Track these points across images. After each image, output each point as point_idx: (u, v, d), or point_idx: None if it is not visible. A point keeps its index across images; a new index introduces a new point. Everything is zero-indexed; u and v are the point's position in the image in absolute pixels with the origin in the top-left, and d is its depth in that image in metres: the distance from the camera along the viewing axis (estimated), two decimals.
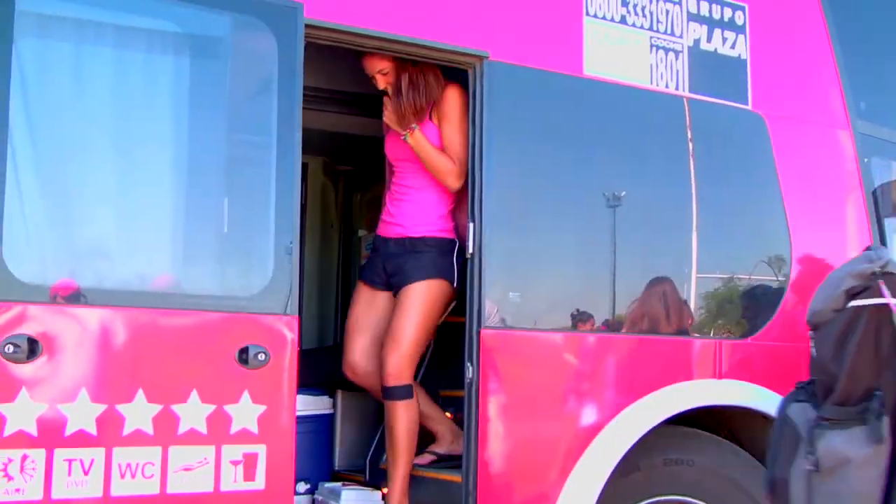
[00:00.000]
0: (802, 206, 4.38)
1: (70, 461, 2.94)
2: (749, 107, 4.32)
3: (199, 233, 3.41)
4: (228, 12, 3.39)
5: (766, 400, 4.11)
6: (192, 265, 3.38)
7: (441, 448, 4.30)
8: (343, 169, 5.99)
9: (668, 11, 4.17)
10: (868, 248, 3.80)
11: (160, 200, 3.34)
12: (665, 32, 4.16)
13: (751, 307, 4.27)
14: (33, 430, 2.91)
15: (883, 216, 4.66)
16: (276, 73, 3.40)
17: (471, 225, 3.70)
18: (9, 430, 2.88)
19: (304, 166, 5.44)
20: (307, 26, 3.43)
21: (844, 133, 4.58)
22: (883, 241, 4.59)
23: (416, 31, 3.67)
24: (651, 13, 4.13)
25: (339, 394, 4.90)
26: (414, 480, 4.12)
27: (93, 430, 2.98)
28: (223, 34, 3.48)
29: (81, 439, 2.96)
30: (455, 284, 4.04)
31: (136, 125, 3.32)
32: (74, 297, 3.06)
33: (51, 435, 2.93)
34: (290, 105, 3.39)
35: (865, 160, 4.61)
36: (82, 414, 2.97)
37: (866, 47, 4.89)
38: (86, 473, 2.96)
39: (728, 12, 4.34)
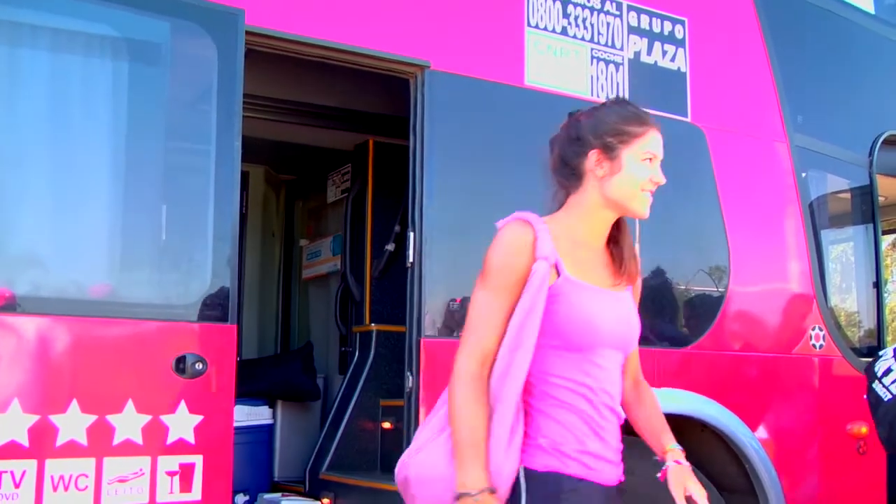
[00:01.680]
0: (741, 217, 4.44)
1: (0, 473, 2.88)
2: (689, 119, 4.37)
3: (136, 241, 3.35)
4: (167, 17, 3.36)
5: (703, 408, 4.15)
6: (129, 273, 3.34)
7: None
8: (285, 178, 5.96)
9: (608, 24, 4.21)
10: None
11: (97, 208, 3.29)
12: (606, 45, 4.19)
13: (690, 316, 4.31)
14: None
15: (819, 228, 4.74)
16: (215, 79, 3.37)
17: (411, 234, 3.70)
18: None
19: (245, 175, 5.41)
20: (248, 33, 3.41)
21: (782, 146, 4.65)
22: (819, 252, 4.66)
23: (357, 39, 3.66)
24: (592, 25, 4.17)
25: (279, 404, 4.87)
26: (352, 489, 4.11)
27: (25, 442, 2.92)
28: (162, 40, 3.43)
29: (13, 451, 2.90)
30: None
31: (73, 131, 3.27)
32: (8, 305, 2.99)
33: None
34: (229, 112, 3.36)
35: (803, 173, 4.68)
36: (14, 425, 2.91)
37: (803, 61, 4.97)
38: (17, 486, 2.89)
39: (668, 26, 4.39)
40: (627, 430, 4.04)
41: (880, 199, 5.06)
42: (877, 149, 4.97)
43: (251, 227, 5.70)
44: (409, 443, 3.57)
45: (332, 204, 5.40)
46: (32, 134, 3.21)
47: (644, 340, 4.08)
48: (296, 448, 4.87)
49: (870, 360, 4.75)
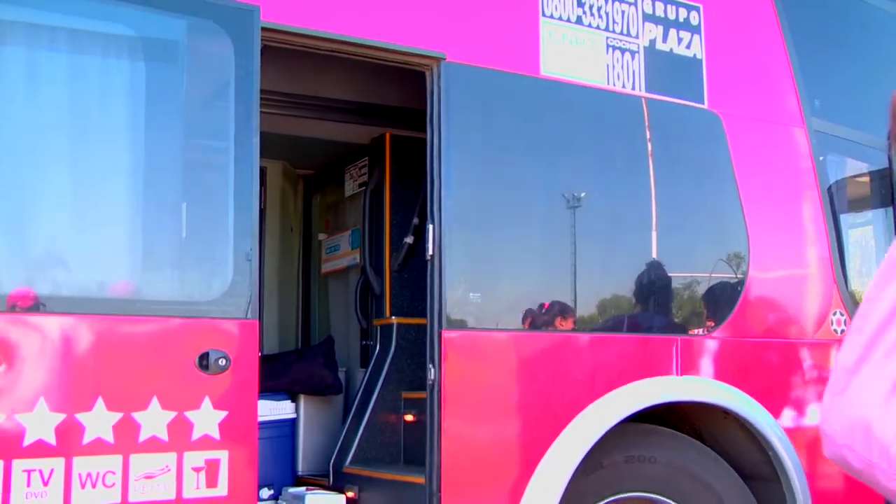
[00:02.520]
0: (759, 203, 4.42)
1: (29, 472, 2.91)
2: (705, 106, 4.36)
3: (157, 238, 3.38)
4: (184, 16, 3.37)
5: (725, 395, 4.15)
6: (150, 271, 3.36)
7: None
8: (303, 173, 5.97)
9: (623, 12, 4.20)
10: None
11: (118, 206, 3.32)
12: (621, 33, 4.18)
13: (710, 304, 4.30)
14: None
15: (838, 212, 4.72)
16: (232, 76, 3.39)
17: (430, 227, 3.70)
18: None
19: (263, 170, 5.42)
20: (264, 29, 3.42)
21: (799, 131, 4.63)
22: (838, 237, 4.65)
23: (373, 33, 3.67)
24: (607, 14, 4.16)
25: (302, 398, 4.89)
26: (376, 482, 4.13)
27: (52, 440, 2.95)
28: (179, 38, 3.45)
29: (40, 449, 2.93)
30: None
31: (93, 131, 3.29)
32: (32, 305, 3.02)
33: (9, 445, 2.90)
34: (247, 109, 3.38)
35: (820, 157, 4.66)
36: (41, 424, 2.94)
37: (820, 45, 4.95)
38: (45, 484, 2.92)
39: (683, 13, 4.37)
40: (646, 418, 4.06)
41: None
42: None
43: (270, 223, 5.72)
44: (432, 434, 3.61)
45: (350, 198, 5.41)
46: (52, 134, 3.24)
47: (664, 328, 4.12)
48: (319, 442, 4.89)
49: None
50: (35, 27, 3.24)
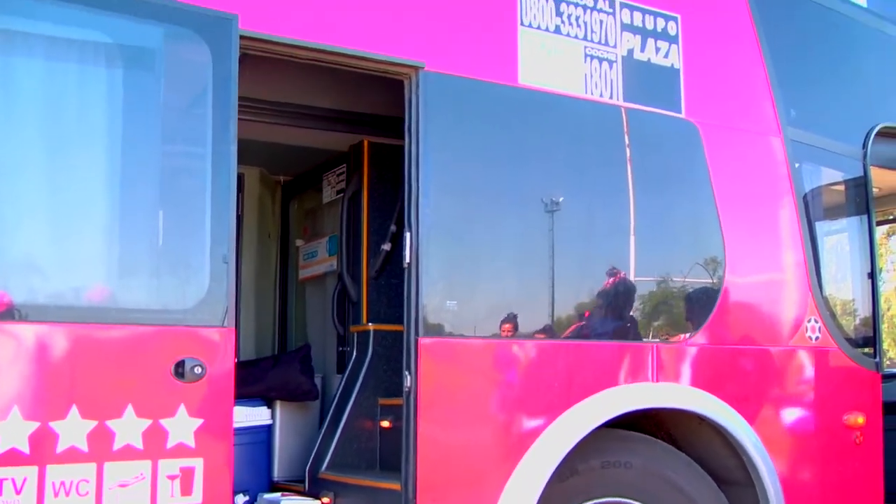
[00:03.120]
0: (736, 211, 4.45)
1: (2, 481, 2.89)
2: (682, 115, 4.39)
3: (133, 245, 3.37)
4: (162, 23, 3.36)
5: (700, 401, 4.18)
6: (126, 278, 3.35)
7: None
8: (280, 179, 5.97)
9: (601, 21, 4.22)
10: None
11: (94, 213, 3.31)
12: (599, 42, 4.21)
13: (686, 311, 4.33)
14: None
15: (813, 220, 4.76)
16: (210, 84, 3.39)
17: (407, 234, 3.71)
18: None
19: (241, 177, 5.42)
20: (242, 37, 3.42)
21: (776, 139, 4.67)
22: (813, 245, 4.68)
23: (352, 42, 3.67)
24: (585, 23, 4.18)
25: (278, 404, 4.88)
26: (352, 488, 4.13)
27: (25, 449, 2.94)
28: (157, 45, 3.44)
29: (13, 458, 2.92)
30: None
31: (70, 138, 3.28)
32: (6, 312, 3.01)
33: None
34: (225, 116, 3.38)
35: (796, 165, 4.70)
36: (14, 432, 2.93)
37: (796, 56, 4.99)
38: (18, 493, 2.91)
39: (661, 22, 4.40)
40: (622, 424, 4.08)
41: (874, 190, 5.08)
42: (870, 141, 4.99)
43: (247, 229, 5.71)
44: (408, 441, 3.62)
45: (327, 204, 5.41)
46: (29, 140, 3.22)
47: (640, 335, 4.14)
48: (295, 448, 4.89)
49: (865, 350, 4.81)
50: (12, 34, 3.23)
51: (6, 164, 3.17)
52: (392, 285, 4.75)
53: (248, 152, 3.95)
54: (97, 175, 3.32)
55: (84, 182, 3.30)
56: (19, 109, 3.24)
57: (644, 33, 4.33)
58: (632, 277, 4.16)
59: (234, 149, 3.37)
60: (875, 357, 4.83)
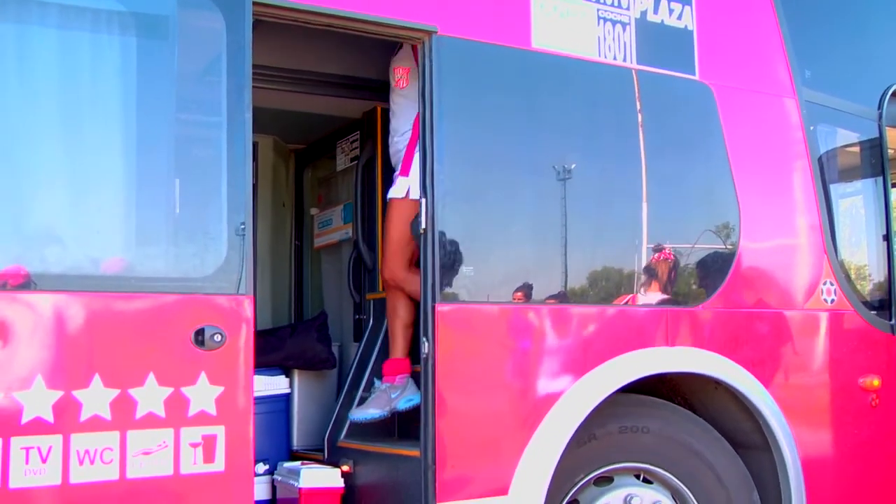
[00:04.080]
0: (750, 174, 4.44)
1: (27, 449, 2.92)
2: (696, 77, 4.36)
3: (150, 215, 3.37)
4: None
5: (716, 366, 4.18)
6: (144, 247, 3.36)
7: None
8: (293, 147, 5.96)
9: None
10: None
11: (110, 183, 3.31)
12: (612, 4, 4.18)
13: (701, 275, 4.33)
14: None
15: (828, 183, 4.74)
16: (224, 51, 3.38)
17: (423, 200, 3.71)
18: None
19: (255, 146, 5.38)
20: (255, 3, 3.41)
21: (790, 101, 4.64)
22: (828, 207, 4.67)
23: (364, 6, 3.65)
24: None
25: (296, 373, 4.90)
26: (371, 456, 4.15)
27: (49, 418, 2.96)
28: (170, 13, 3.43)
29: (38, 427, 2.95)
30: None
31: (84, 108, 3.28)
32: (26, 283, 3.02)
33: (7, 423, 2.91)
34: (239, 84, 3.37)
35: (811, 128, 4.67)
36: (38, 401, 2.95)
37: (811, 15, 4.95)
38: (44, 461, 2.94)
39: None
40: (638, 389, 4.09)
41: (889, 151, 5.05)
42: (886, 101, 4.95)
43: (261, 198, 5.70)
44: (426, 408, 3.63)
45: (341, 172, 5.40)
46: (43, 111, 3.22)
47: (656, 299, 4.14)
48: (314, 416, 4.90)
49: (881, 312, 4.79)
50: (25, 2, 3.22)
51: (22, 134, 3.18)
52: None
53: (261, 121, 3.94)
54: (113, 144, 3.32)
55: (100, 152, 3.30)
56: (34, 79, 3.24)
57: None
58: (646, 242, 4.15)
59: (249, 116, 3.37)
60: (891, 319, 4.82)
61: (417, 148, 4.08)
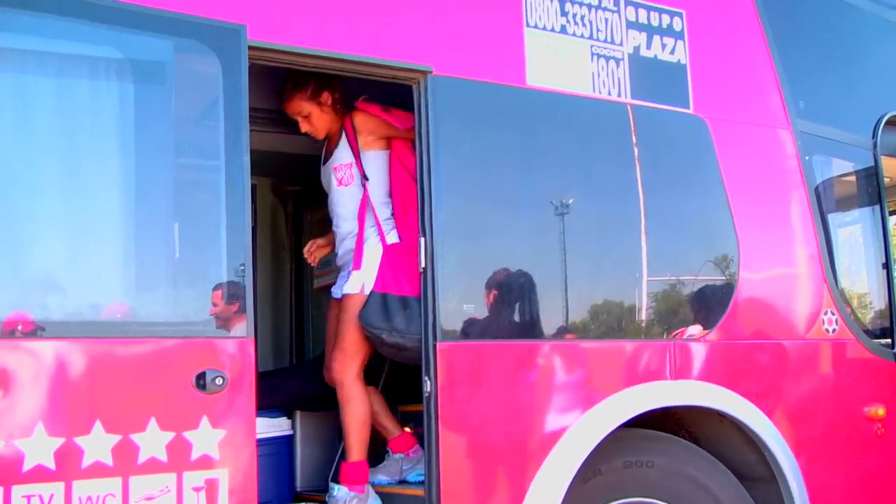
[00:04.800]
0: (747, 205, 4.45)
1: (29, 497, 2.90)
2: (691, 110, 4.39)
3: (150, 259, 3.38)
4: (171, 37, 3.38)
5: (719, 398, 4.17)
6: (144, 292, 3.36)
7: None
8: (292, 189, 5.98)
9: (607, 20, 4.23)
10: None
11: (109, 228, 3.32)
12: (605, 41, 4.21)
13: (701, 308, 4.33)
14: None
15: (826, 212, 4.75)
16: (221, 95, 3.40)
17: (422, 239, 3.72)
18: None
19: (253, 188, 5.40)
20: (250, 48, 3.43)
21: (785, 132, 4.67)
22: (827, 237, 4.68)
23: (358, 49, 3.68)
24: (590, 22, 4.18)
25: (298, 415, 4.88)
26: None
27: (51, 465, 2.95)
28: (166, 59, 3.46)
29: (40, 474, 2.93)
30: None
31: (83, 153, 3.29)
32: (28, 330, 3.02)
33: (8, 471, 2.89)
34: (236, 127, 3.39)
35: (807, 158, 4.69)
36: (40, 448, 2.94)
37: (803, 47, 4.99)
38: None
39: (666, 18, 4.40)
40: (642, 423, 4.07)
41: (886, 179, 5.07)
42: (880, 130, 4.99)
43: (261, 240, 5.72)
44: (430, 446, 3.62)
45: None
46: (43, 157, 3.24)
47: (657, 333, 4.14)
48: (316, 457, 4.88)
49: (884, 340, 4.79)
50: (23, 52, 3.25)
51: (22, 181, 3.19)
52: None
53: (259, 163, 3.95)
54: (111, 190, 3.33)
55: (98, 198, 3.32)
56: (32, 126, 3.26)
57: (650, 30, 4.33)
58: (646, 276, 4.16)
59: (247, 160, 3.38)
60: (893, 348, 4.81)
61: (366, 238, 4.16)
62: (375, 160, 4.23)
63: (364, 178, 4.21)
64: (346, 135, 4.24)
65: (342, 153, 4.27)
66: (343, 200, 4.30)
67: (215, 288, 3.33)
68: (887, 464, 4.66)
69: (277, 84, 4.30)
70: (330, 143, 4.34)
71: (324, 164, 4.40)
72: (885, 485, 4.66)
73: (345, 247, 4.33)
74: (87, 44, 3.32)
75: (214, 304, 3.32)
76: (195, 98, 3.50)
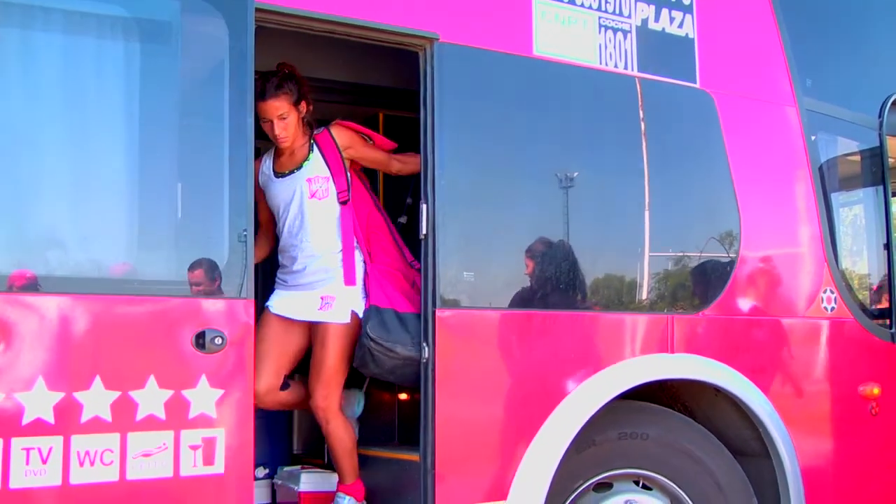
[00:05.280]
0: (751, 181, 4.45)
1: (28, 450, 2.94)
2: (697, 85, 4.38)
3: (152, 219, 3.40)
4: None
5: (717, 373, 4.19)
6: (146, 251, 3.38)
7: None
8: None
9: None
10: None
11: (113, 188, 3.33)
12: (613, 12, 4.20)
13: (702, 282, 4.34)
14: None
15: (829, 191, 4.75)
16: (227, 57, 3.40)
17: (424, 206, 3.72)
18: None
19: (258, 151, 5.41)
20: (257, 10, 3.43)
21: (791, 110, 4.66)
22: (829, 215, 4.68)
23: (366, 13, 3.68)
24: None
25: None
26: (371, 460, 4.16)
27: (50, 419, 2.98)
28: (172, 19, 3.46)
29: (39, 428, 2.96)
30: None
31: (88, 113, 3.30)
32: (30, 285, 3.04)
33: (8, 424, 2.92)
34: (241, 90, 3.39)
35: (812, 136, 4.68)
36: (40, 402, 2.97)
37: (811, 24, 4.96)
38: (44, 462, 2.95)
39: None
40: (638, 396, 4.09)
41: (890, 160, 5.06)
42: (886, 110, 4.97)
43: None
44: (426, 413, 3.64)
45: None
46: (48, 117, 3.25)
47: (657, 306, 4.15)
48: (314, 421, 4.88)
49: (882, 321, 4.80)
50: (27, 8, 3.25)
51: (27, 140, 3.20)
52: None
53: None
54: (116, 149, 3.34)
55: (102, 157, 3.33)
56: (36, 85, 3.26)
57: (658, 3, 4.31)
58: (647, 249, 4.16)
59: (251, 121, 3.39)
60: (891, 328, 4.82)
61: (356, 254, 4.05)
62: (351, 178, 4.13)
63: (346, 193, 4.06)
64: (321, 148, 4.08)
65: (316, 166, 4.06)
66: (317, 214, 4.04)
67: (216, 249, 3.33)
68: (880, 443, 4.69)
69: (282, 47, 4.29)
70: (292, 157, 4.11)
71: (281, 176, 4.11)
72: (877, 463, 4.69)
73: (315, 264, 4.04)
74: (93, 1, 3.32)
75: (215, 265, 3.33)
76: (201, 59, 3.50)
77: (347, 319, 3.97)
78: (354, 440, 4.11)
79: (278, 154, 4.14)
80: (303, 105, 4.05)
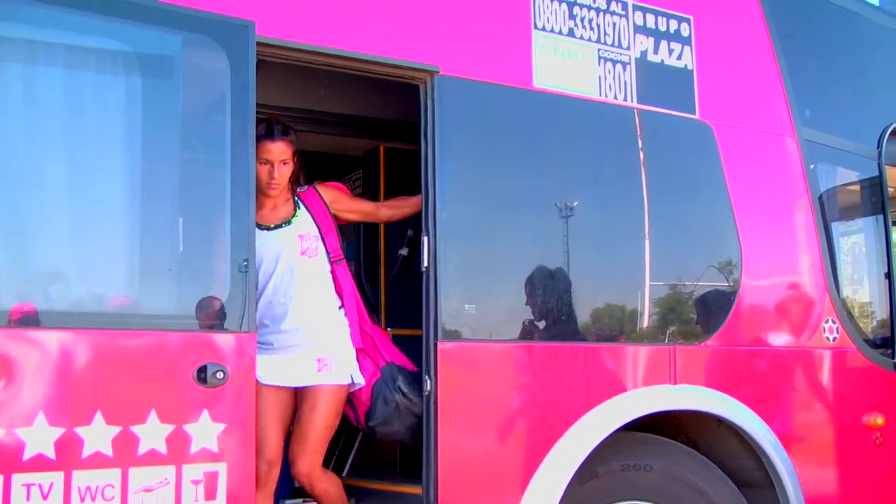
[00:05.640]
0: (751, 212, 4.45)
1: (28, 486, 2.92)
2: (697, 116, 4.40)
3: (154, 252, 3.39)
4: (180, 31, 3.39)
5: (719, 403, 4.18)
6: (148, 285, 3.37)
7: None
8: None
9: (614, 24, 4.23)
10: None
11: (115, 221, 3.33)
12: (612, 45, 4.22)
13: (703, 313, 4.33)
14: None
15: (829, 221, 4.76)
16: (228, 90, 3.41)
17: (425, 238, 3.73)
18: None
19: None
20: (258, 44, 3.45)
21: (790, 140, 4.67)
22: (830, 245, 4.68)
23: (366, 47, 3.69)
24: (598, 26, 4.19)
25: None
26: (374, 494, 4.14)
27: (51, 454, 2.96)
28: (175, 53, 3.47)
29: (40, 463, 2.94)
30: None
31: (91, 146, 3.31)
32: (31, 320, 3.03)
33: (9, 460, 2.91)
34: (243, 122, 3.40)
35: (811, 166, 4.70)
36: (40, 438, 2.95)
37: (809, 55, 4.99)
38: (45, 498, 2.93)
39: (674, 24, 4.41)
40: (641, 427, 4.08)
41: (889, 189, 5.07)
42: (885, 140, 4.99)
43: None
44: (429, 445, 3.63)
45: None
46: (50, 150, 3.25)
47: (659, 338, 4.15)
48: None
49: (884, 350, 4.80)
50: (32, 43, 3.26)
51: (29, 173, 3.21)
52: (410, 290, 4.75)
53: None
54: (118, 183, 3.35)
55: (105, 190, 3.33)
56: (39, 120, 3.27)
57: (657, 35, 4.34)
58: (648, 280, 4.16)
59: (252, 154, 3.40)
60: (893, 357, 4.82)
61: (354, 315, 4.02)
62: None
63: (339, 252, 4.03)
64: (307, 206, 4.01)
65: (304, 224, 3.98)
66: (307, 272, 3.94)
67: (218, 282, 3.33)
68: (885, 473, 4.67)
69: (284, 80, 4.32)
70: (275, 211, 3.97)
71: (266, 229, 3.92)
72: (882, 493, 4.67)
73: (309, 324, 3.92)
74: (95, 37, 3.34)
75: (217, 299, 3.32)
76: (203, 92, 3.51)
77: (348, 381, 3.92)
78: (341, 487, 3.98)
79: (259, 206, 3.80)
80: (296, 156, 3.98)
